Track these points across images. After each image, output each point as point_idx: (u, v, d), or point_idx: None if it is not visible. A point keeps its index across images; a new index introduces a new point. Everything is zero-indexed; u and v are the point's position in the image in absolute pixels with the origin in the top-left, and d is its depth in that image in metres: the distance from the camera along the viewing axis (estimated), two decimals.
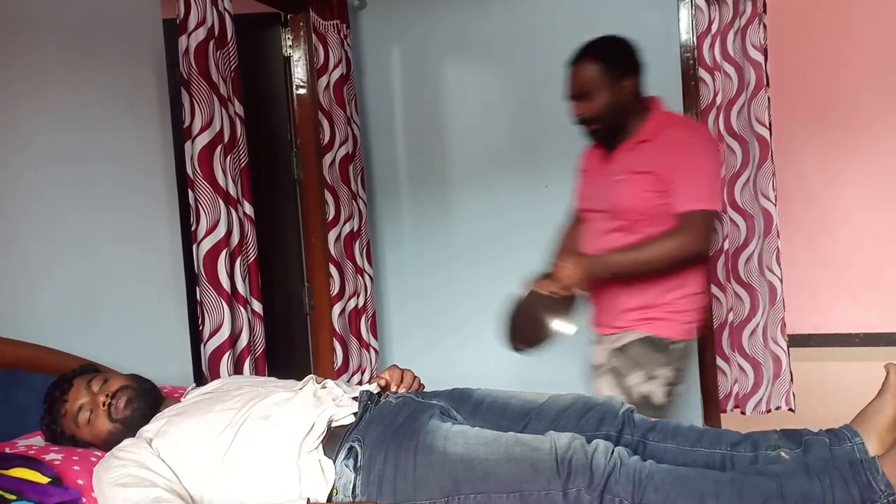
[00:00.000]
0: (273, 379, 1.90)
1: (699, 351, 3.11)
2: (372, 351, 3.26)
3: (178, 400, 1.78)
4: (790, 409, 3.12)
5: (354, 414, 1.57)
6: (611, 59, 2.11)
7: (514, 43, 3.23)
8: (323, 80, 3.04)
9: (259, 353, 2.51)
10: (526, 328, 2.14)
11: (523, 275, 2.19)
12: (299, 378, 1.76)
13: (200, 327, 2.33)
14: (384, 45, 3.42)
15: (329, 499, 1.46)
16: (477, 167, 3.35)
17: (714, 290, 3.12)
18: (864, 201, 3.85)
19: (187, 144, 2.29)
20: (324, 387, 1.69)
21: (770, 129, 3.01)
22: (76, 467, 1.53)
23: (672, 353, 2.13)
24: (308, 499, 1.41)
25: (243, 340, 2.40)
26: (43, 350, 1.79)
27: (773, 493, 1.31)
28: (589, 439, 1.43)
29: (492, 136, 3.32)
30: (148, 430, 1.61)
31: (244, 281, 2.43)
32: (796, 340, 3.40)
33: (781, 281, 3.08)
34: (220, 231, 2.31)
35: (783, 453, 1.45)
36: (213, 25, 2.34)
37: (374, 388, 1.70)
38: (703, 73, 3.02)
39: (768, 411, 3.13)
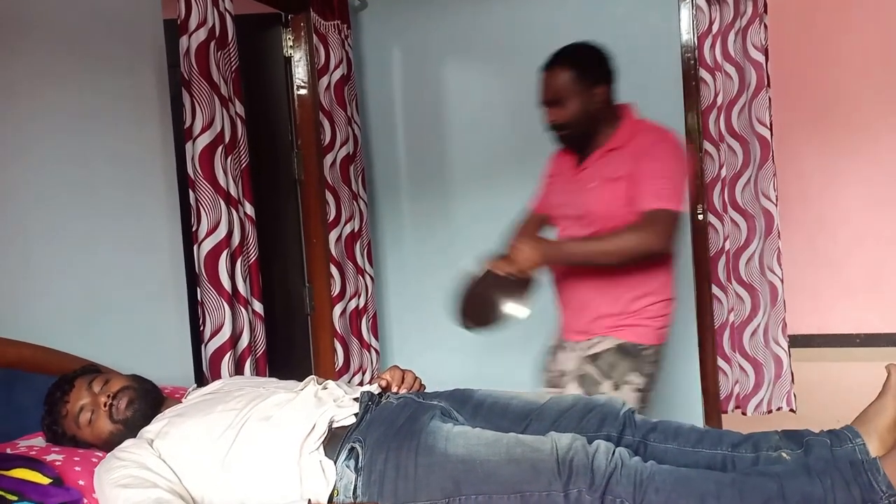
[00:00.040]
0: (274, 380, 1.90)
1: (699, 351, 3.11)
2: (373, 351, 3.26)
3: (179, 401, 1.78)
4: (791, 410, 3.12)
5: (355, 415, 1.57)
6: (583, 66, 2.12)
7: (514, 43, 3.23)
8: (324, 81, 3.05)
9: (260, 354, 2.51)
10: (478, 307, 2.14)
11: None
12: (300, 379, 1.76)
13: (201, 328, 2.33)
14: (385, 46, 3.42)
15: (330, 499, 1.46)
16: (478, 167, 3.35)
17: (715, 290, 3.12)
18: (865, 201, 3.85)
19: (188, 145, 2.29)
20: (325, 387, 1.69)
21: (771, 130, 3.01)
22: (77, 468, 1.54)
23: (644, 358, 2.14)
24: (309, 500, 1.41)
25: (244, 341, 2.40)
26: (44, 350, 1.79)
27: (774, 494, 1.31)
28: (590, 440, 1.43)
29: (492, 136, 3.32)
30: (149, 430, 1.61)
31: (245, 281, 2.43)
32: (797, 341, 3.40)
33: (782, 281, 3.08)
34: (221, 231, 2.31)
35: (784, 454, 1.45)
36: (213, 26, 2.34)
37: (374, 388, 1.70)
38: (703, 74, 3.02)
39: (769, 412, 3.13)
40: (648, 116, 3.08)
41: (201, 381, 2.28)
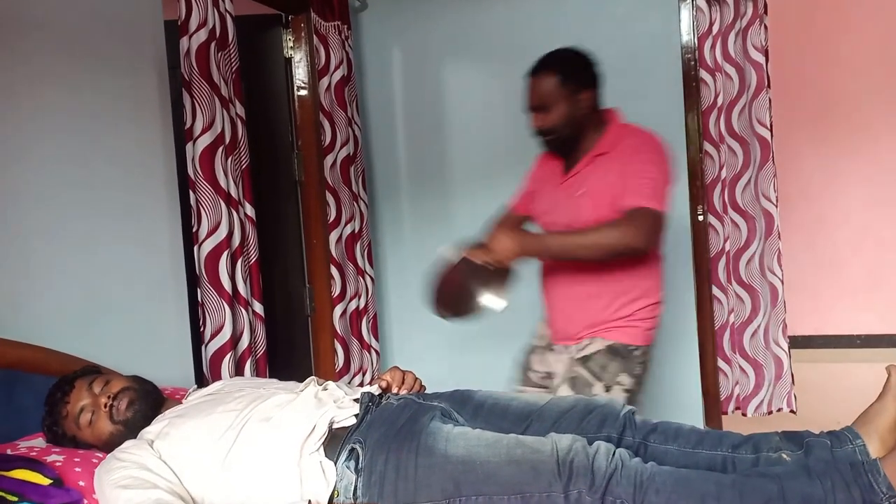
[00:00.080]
0: (274, 381, 1.90)
1: (700, 352, 3.11)
2: (373, 352, 3.26)
3: (179, 401, 1.78)
4: (791, 411, 3.12)
5: (356, 416, 1.57)
6: (569, 71, 2.13)
7: (514, 43, 3.23)
8: (324, 82, 3.05)
9: (260, 355, 2.51)
10: (453, 295, 2.12)
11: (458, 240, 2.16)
12: (300, 379, 1.76)
13: (201, 329, 2.33)
14: (385, 46, 3.42)
15: (330, 500, 1.46)
16: (478, 168, 3.35)
17: (715, 291, 3.12)
18: (865, 202, 3.85)
19: (188, 146, 2.29)
20: (325, 388, 1.69)
21: (771, 130, 3.01)
22: (77, 469, 1.53)
23: (634, 359, 2.14)
24: (309, 500, 1.41)
25: (244, 342, 2.40)
26: (44, 351, 1.79)
27: (774, 495, 1.31)
28: (590, 441, 1.43)
29: (492, 136, 3.32)
30: (149, 431, 1.61)
31: (245, 282, 2.43)
32: (797, 342, 3.41)
33: (782, 282, 3.09)
34: (222, 232, 2.31)
35: (784, 455, 1.45)
36: (214, 27, 2.34)
37: (375, 389, 1.70)
38: (704, 74, 3.02)
39: (769, 413, 3.13)
40: (649, 117, 3.07)
41: (201, 381, 2.28)
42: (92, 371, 1.75)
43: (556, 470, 1.37)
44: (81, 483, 1.50)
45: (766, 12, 2.98)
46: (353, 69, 3.18)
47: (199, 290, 2.32)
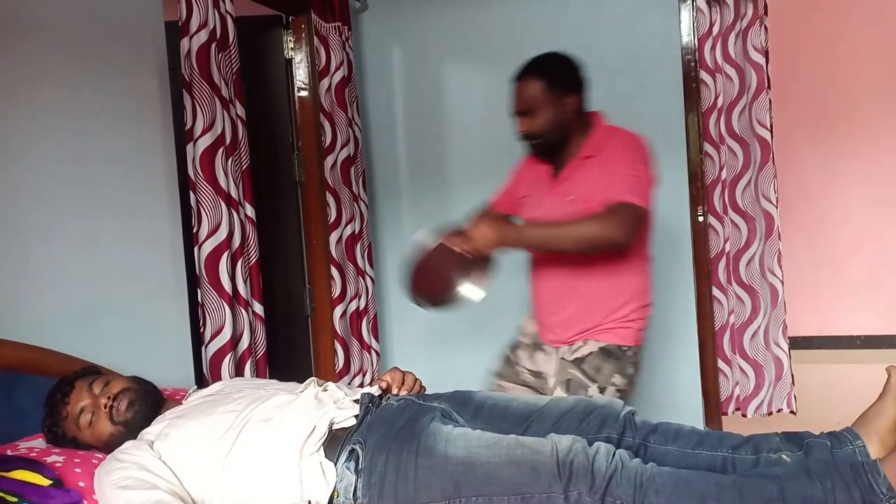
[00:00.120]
0: (274, 381, 1.90)
1: (700, 353, 3.11)
2: (373, 353, 3.26)
3: (179, 402, 1.78)
4: (791, 412, 3.11)
5: (356, 416, 1.57)
6: (554, 76, 2.14)
7: (515, 44, 3.22)
8: (324, 82, 3.05)
9: (260, 356, 2.51)
10: (429, 282, 2.10)
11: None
12: (300, 380, 1.76)
13: (202, 329, 2.33)
14: (385, 47, 3.43)
15: (330, 501, 1.46)
16: (478, 168, 3.35)
17: (715, 292, 3.12)
18: (865, 202, 3.86)
19: (189, 146, 2.29)
20: (325, 389, 1.69)
21: (771, 131, 3.01)
22: (77, 469, 1.53)
23: (627, 359, 2.15)
24: (309, 501, 1.41)
25: (244, 342, 2.40)
26: (44, 352, 1.79)
27: (774, 496, 1.31)
28: (590, 442, 1.43)
29: (493, 136, 3.31)
30: (149, 432, 1.61)
31: (245, 283, 2.43)
32: (797, 343, 3.41)
33: (782, 283, 3.08)
34: (222, 233, 2.32)
35: (784, 456, 1.45)
36: (214, 28, 2.34)
37: (375, 390, 1.70)
38: (704, 75, 3.02)
39: (769, 414, 3.13)
40: (649, 118, 3.08)
41: (201, 382, 2.28)
42: (92, 372, 1.75)
43: (556, 471, 1.37)
44: (81, 484, 1.50)
45: (766, 13, 2.98)
46: (353, 70, 3.18)
47: (199, 291, 2.32)
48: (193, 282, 2.34)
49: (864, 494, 1.29)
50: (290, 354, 3.05)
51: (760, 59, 2.98)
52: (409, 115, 3.43)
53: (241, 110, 2.50)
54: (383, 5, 3.39)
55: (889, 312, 3.80)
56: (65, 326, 1.92)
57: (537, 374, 2.30)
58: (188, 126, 2.29)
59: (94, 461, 1.57)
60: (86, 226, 2.02)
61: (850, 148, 3.84)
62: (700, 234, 3.09)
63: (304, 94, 3.07)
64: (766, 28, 2.98)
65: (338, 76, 3.08)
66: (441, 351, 3.33)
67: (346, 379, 3.09)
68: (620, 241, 2.01)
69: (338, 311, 3.07)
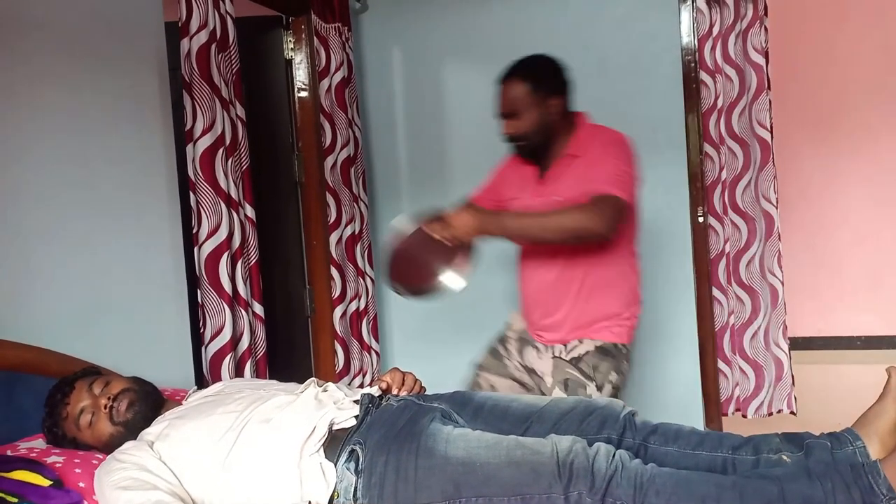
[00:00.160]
0: (274, 382, 1.90)
1: (700, 354, 3.11)
2: (373, 354, 3.26)
3: (179, 403, 1.78)
4: (792, 413, 3.11)
5: (356, 417, 1.57)
6: (538, 78, 2.14)
7: (515, 45, 3.20)
8: (324, 83, 3.05)
9: (260, 356, 2.51)
10: (409, 270, 2.08)
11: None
12: (300, 381, 1.76)
13: (202, 330, 2.33)
14: (385, 48, 3.43)
15: (330, 502, 1.46)
16: (478, 169, 3.32)
17: (715, 292, 3.12)
18: (865, 202, 3.85)
19: (189, 147, 2.29)
20: (325, 390, 1.69)
21: (771, 132, 3.01)
22: (77, 470, 1.53)
23: (622, 356, 2.17)
24: (309, 502, 1.41)
25: (244, 343, 2.40)
26: (44, 352, 1.79)
27: (774, 497, 1.31)
28: (590, 443, 1.43)
29: (493, 137, 3.30)
30: (149, 432, 1.61)
31: (245, 283, 2.43)
32: (798, 343, 3.41)
33: (783, 284, 3.08)
34: (222, 233, 2.31)
35: (785, 457, 1.45)
36: (214, 28, 2.34)
37: (375, 391, 1.70)
38: (704, 76, 3.02)
39: (770, 414, 3.13)
40: (649, 118, 3.09)
41: (201, 383, 2.28)
42: (92, 372, 1.75)
43: (557, 471, 1.37)
44: (81, 484, 1.50)
45: (766, 14, 2.98)
46: (353, 71, 3.18)
47: (199, 292, 2.32)
48: (193, 282, 2.34)
49: (865, 495, 1.29)
50: (290, 355, 3.05)
51: (760, 60, 2.98)
52: (409, 115, 3.43)
53: (241, 111, 2.50)
54: (383, 6, 3.39)
55: (889, 313, 3.80)
56: (65, 326, 1.92)
57: (530, 370, 2.30)
58: (188, 126, 2.29)
59: (95, 462, 1.57)
60: (86, 226, 2.02)
61: (850, 148, 3.84)
62: (700, 235, 3.09)
63: (304, 94, 3.07)
64: (766, 29, 2.98)
65: (338, 77, 3.08)
66: (441, 351, 3.33)
67: (346, 379, 3.09)
68: (601, 232, 2.00)
69: (338, 311, 3.07)
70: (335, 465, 1.48)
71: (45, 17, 1.94)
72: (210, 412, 1.61)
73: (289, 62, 3.07)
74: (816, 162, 3.87)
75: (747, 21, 2.98)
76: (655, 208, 3.05)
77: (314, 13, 3.00)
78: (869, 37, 3.80)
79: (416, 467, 1.43)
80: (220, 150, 2.33)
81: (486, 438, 1.46)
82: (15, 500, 1.36)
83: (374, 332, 3.27)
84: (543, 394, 2.24)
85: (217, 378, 2.28)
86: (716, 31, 3.01)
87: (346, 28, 3.14)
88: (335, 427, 1.55)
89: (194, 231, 2.32)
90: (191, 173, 2.29)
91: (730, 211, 3.08)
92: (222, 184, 2.33)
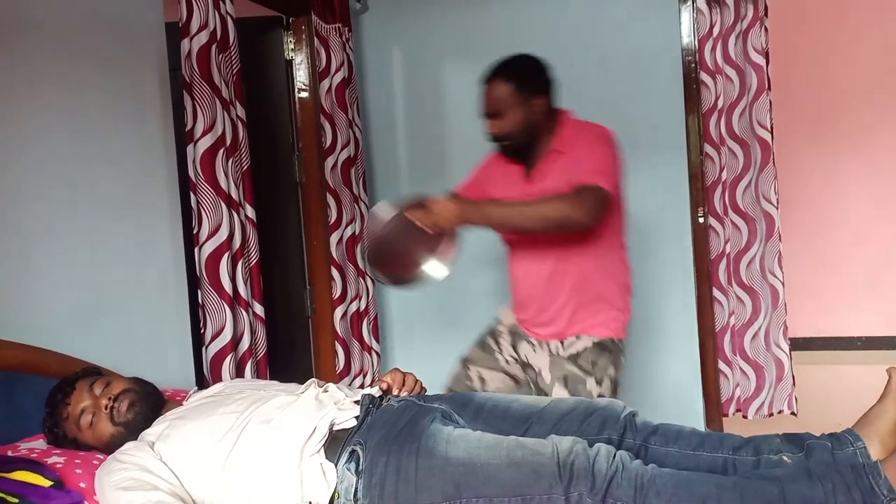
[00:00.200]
0: (275, 382, 1.90)
1: (700, 354, 3.11)
2: (374, 354, 3.26)
3: (180, 403, 1.78)
4: (792, 413, 3.11)
5: (356, 417, 1.57)
6: (522, 78, 2.15)
7: (515, 45, 3.19)
8: (325, 84, 3.05)
9: (261, 357, 2.51)
10: (389, 257, 2.07)
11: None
12: (301, 381, 1.76)
13: (202, 330, 2.33)
14: (386, 48, 3.43)
15: (331, 502, 1.46)
16: None
17: (716, 293, 3.12)
18: (865, 202, 3.85)
19: (189, 147, 2.29)
20: (325, 390, 1.69)
21: (771, 132, 3.01)
22: (78, 470, 1.53)
23: (618, 351, 2.19)
24: (310, 502, 1.41)
25: (245, 343, 2.40)
26: (45, 353, 1.79)
27: (775, 498, 1.31)
28: (591, 443, 1.42)
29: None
30: (150, 433, 1.61)
31: (246, 284, 2.43)
32: (798, 344, 3.40)
33: (783, 284, 3.08)
34: (222, 234, 2.32)
35: (785, 457, 1.45)
36: (215, 29, 2.34)
37: (375, 391, 1.70)
38: (704, 77, 3.02)
39: (770, 415, 3.13)
40: (649, 119, 3.09)
41: (202, 383, 2.28)
42: (92, 372, 1.75)
43: (557, 472, 1.37)
44: (82, 485, 1.50)
45: (766, 14, 2.98)
46: (353, 71, 3.18)
47: (199, 292, 2.32)
48: (194, 282, 2.34)
49: (865, 496, 1.29)
50: (290, 355, 3.05)
51: (761, 61, 2.98)
52: (409, 115, 3.43)
53: (241, 111, 2.50)
54: (383, 6, 3.39)
55: (889, 313, 3.79)
56: (65, 326, 1.92)
57: (524, 365, 2.30)
58: (188, 127, 2.29)
59: (95, 462, 1.57)
60: (86, 226, 2.02)
61: (850, 148, 3.84)
62: (700, 236, 3.09)
63: (304, 95, 3.07)
64: (766, 29, 2.98)
65: (338, 77, 3.08)
66: (441, 352, 3.32)
67: (347, 380, 3.09)
68: (583, 222, 2.00)
69: (338, 311, 3.07)
70: (336, 466, 1.48)
71: (45, 17, 1.94)
72: (211, 413, 1.61)
73: (289, 63, 3.07)
74: (816, 162, 3.86)
75: (747, 21, 2.98)
76: (656, 208, 3.05)
77: (314, 14, 3.00)
78: (869, 37, 3.80)
79: (417, 468, 1.42)
80: (221, 151, 2.34)
81: (486, 439, 1.46)
82: (16, 500, 1.36)
83: (375, 332, 3.27)
84: (539, 388, 2.24)
85: (217, 379, 2.28)
86: (716, 31, 3.01)
87: (346, 28, 3.15)
88: (336, 428, 1.55)
89: (195, 231, 2.32)
90: (191, 174, 2.29)
91: (730, 211, 3.08)
92: (223, 184, 2.33)
